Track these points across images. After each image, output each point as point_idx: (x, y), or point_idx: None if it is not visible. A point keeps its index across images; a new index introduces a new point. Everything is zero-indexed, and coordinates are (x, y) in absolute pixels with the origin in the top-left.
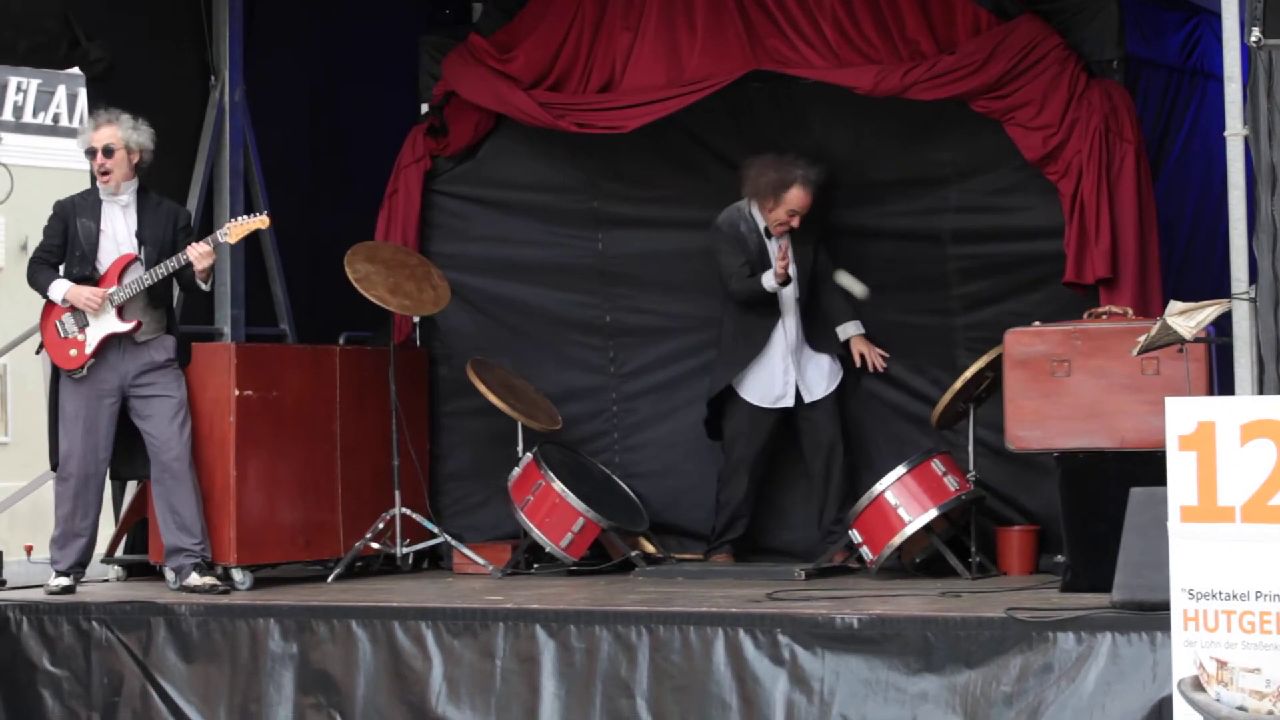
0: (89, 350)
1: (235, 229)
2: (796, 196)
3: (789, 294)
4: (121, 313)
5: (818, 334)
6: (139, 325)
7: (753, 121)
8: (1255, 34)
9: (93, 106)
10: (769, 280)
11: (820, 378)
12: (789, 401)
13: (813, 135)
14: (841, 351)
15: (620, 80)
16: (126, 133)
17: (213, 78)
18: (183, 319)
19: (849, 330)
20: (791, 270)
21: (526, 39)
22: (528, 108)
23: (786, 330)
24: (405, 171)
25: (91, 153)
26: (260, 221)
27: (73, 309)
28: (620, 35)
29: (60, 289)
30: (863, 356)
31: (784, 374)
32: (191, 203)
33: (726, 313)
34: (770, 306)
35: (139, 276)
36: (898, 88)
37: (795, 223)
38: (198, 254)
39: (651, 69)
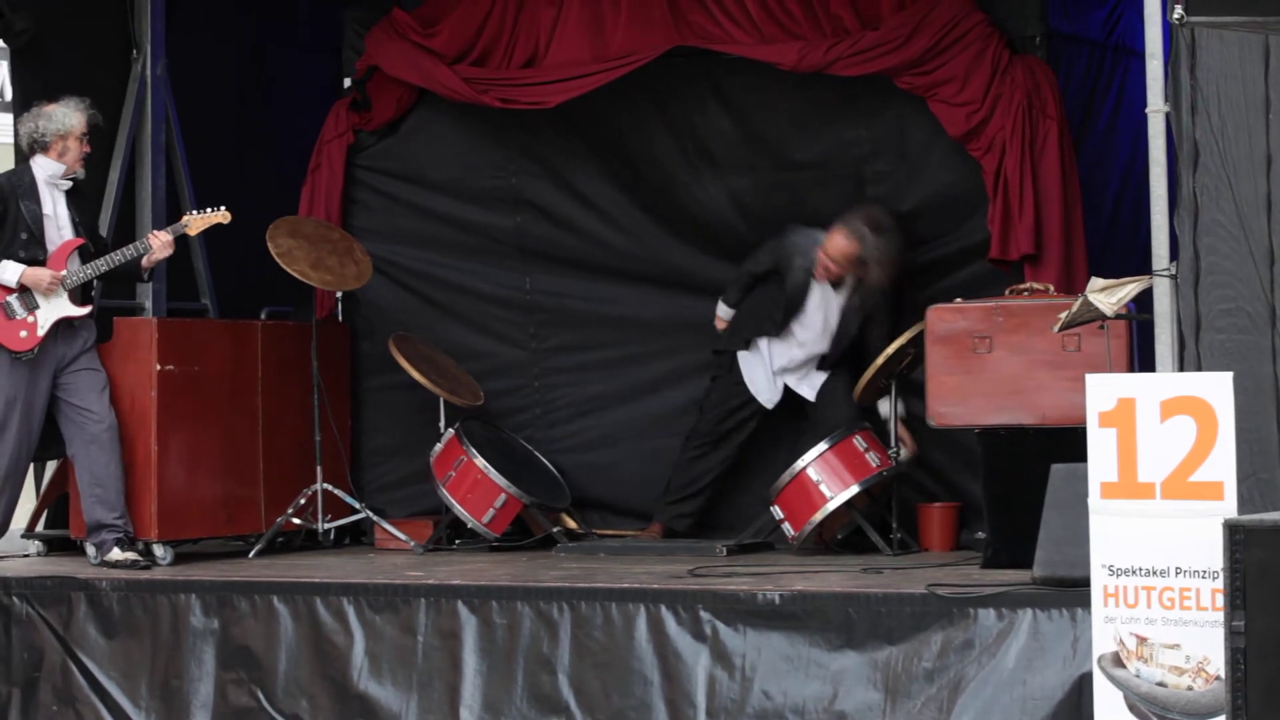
0: (41, 332)
1: (196, 221)
2: (834, 242)
3: (807, 337)
4: (70, 296)
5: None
6: (93, 310)
7: (675, 97)
8: (1178, 11)
9: (15, 79)
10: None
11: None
12: (769, 404)
13: (736, 112)
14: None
15: (544, 56)
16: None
17: (134, 52)
18: (104, 293)
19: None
20: (830, 319)
21: (450, 14)
22: (451, 83)
23: (776, 353)
24: (328, 146)
25: (83, 137)
26: (221, 216)
27: (19, 291)
28: (544, 10)
29: (13, 271)
30: (907, 450)
31: (768, 380)
32: (113, 177)
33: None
34: (788, 315)
35: (95, 263)
36: (821, 64)
37: (834, 269)
38: (160, 243)
39: (576, 44)
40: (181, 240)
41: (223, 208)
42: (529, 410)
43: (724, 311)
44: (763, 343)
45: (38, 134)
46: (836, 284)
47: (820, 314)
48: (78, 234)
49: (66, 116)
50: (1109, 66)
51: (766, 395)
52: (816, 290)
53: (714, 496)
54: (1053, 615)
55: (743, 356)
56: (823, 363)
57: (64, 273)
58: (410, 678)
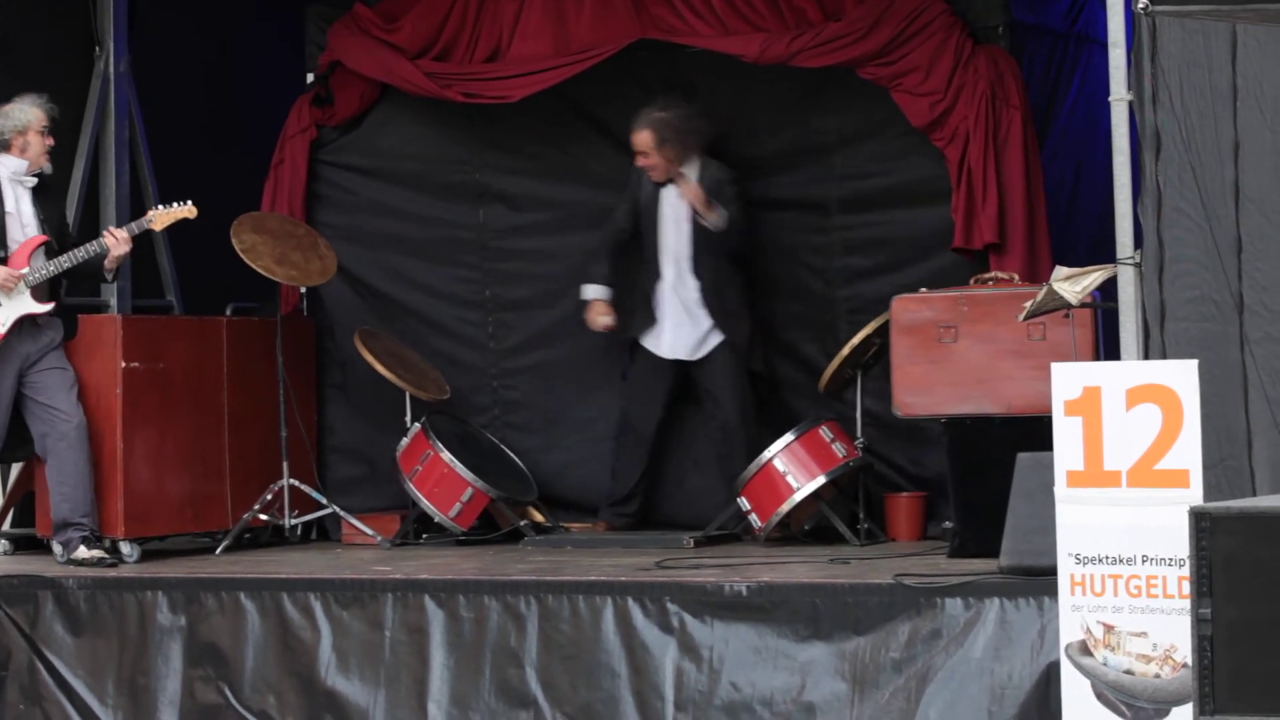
0: (3, 330)
1: (161, 216)
2: (633, 137)
3: (669, 247)
4: (33, 294)
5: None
6: (56, 307)
7: (639, 92)
8: (1142, 0)
9: None
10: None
11: (704, 337)
12: (668, 353)
13: (700, 105)
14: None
15: (507, 50)
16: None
17: (97, 48)
18: (69, 291)
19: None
20: (678, 221)
21: (412, 8)
22: (413, 78)
23: (670, 289)
24: (291, 142)
25: (43, 131)
26: (187, 211)
27: None
28: (507, 4)
29: None
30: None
31: (670, 327)
32: (76, 174)
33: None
34: (646, 254)
35: (57, 260)
36: (784, 55)
37: (643, 162)
38: (116, 241)
39: (538, 38)
40: (146, 236)
41: (189, 202)
42: (489, 409)
43: (595, 291)
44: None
45: None
46: (672, 181)
47: (672, 223)
48: (43, 231)
49: (23, 112)
50: (1071, 56)
51: (668, 348)
52: (665, 202)
53: (651, 490)
54: (1020, 604)
55: (656, 335)
56: (713, 310)
57: (24, 270)
58: (378, 673)
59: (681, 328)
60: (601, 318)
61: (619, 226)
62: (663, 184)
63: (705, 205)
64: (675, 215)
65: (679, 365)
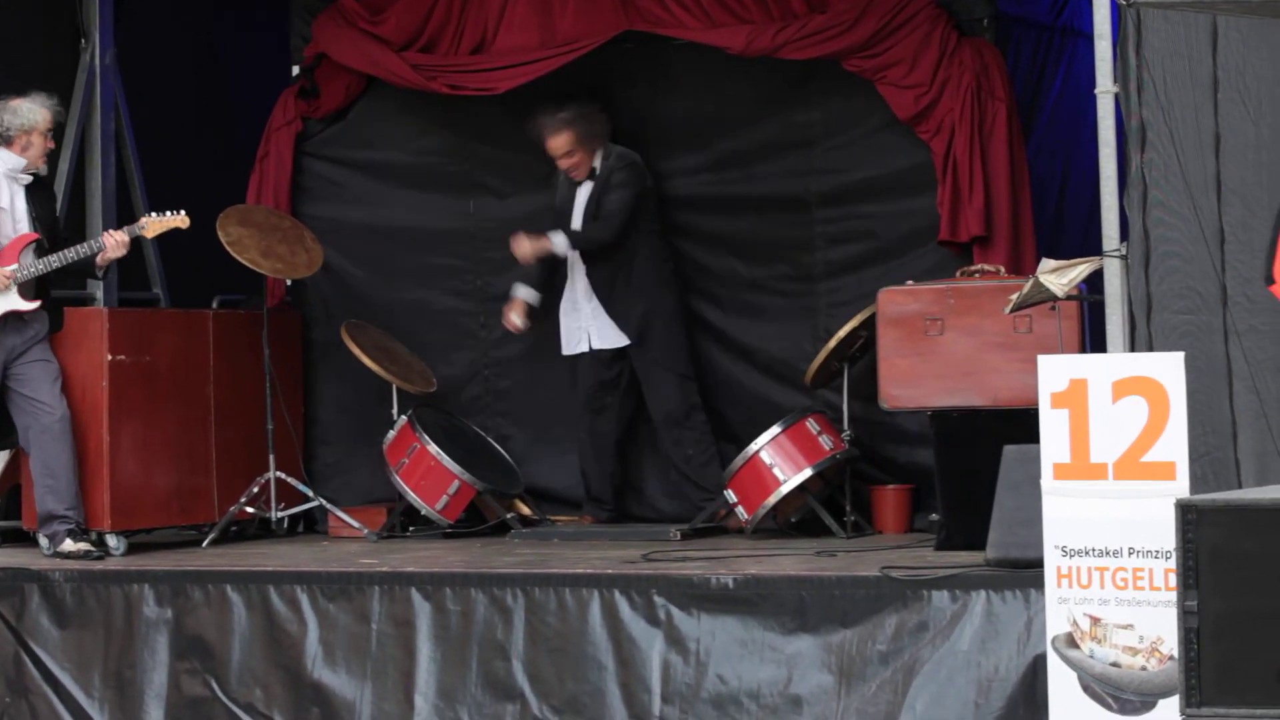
0: None
1: (153, 224)
2: (550, 143)
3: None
4: (20, 291)
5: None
6: (42, 304)
7: (625, 83)
8: None
9: None
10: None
11: (607, 328)
12: (583, 346)
13: (684, 97)
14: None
15: (492, 42)
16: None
17: (83, 40)
18: (54, 283)
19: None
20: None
21: (398, 0)
22: (399, 70)
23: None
24: (276, 134)
25: (47, 133)
26: (180, 220)
27: None
28: None
29: None
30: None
31: (574, 321)
32: (62, 167)
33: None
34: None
35: (47, 259)
36: (769, 48)
37: (566, 163)
38: (114, 243)
39: (524, 30)
40: None
41: (182, 211)
42: (479, 399)
43: (522, 292)
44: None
45: (2, 127)
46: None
47: (576, 221)
48: (35, 228)
49: (32, 112)
50: (1057, 48)
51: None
52: (576, 202)
53: (635, 484)
54: (1006, 597)
55: (564, 335)
56: (611, 306)
57: (13, 267)
58: (364, 666)
59: (585, 320)
60: (515, 317)
61: (534, 278)
62: (579, 183)
63: (540, 250)
64: (579, 213)
65: (610, 356)
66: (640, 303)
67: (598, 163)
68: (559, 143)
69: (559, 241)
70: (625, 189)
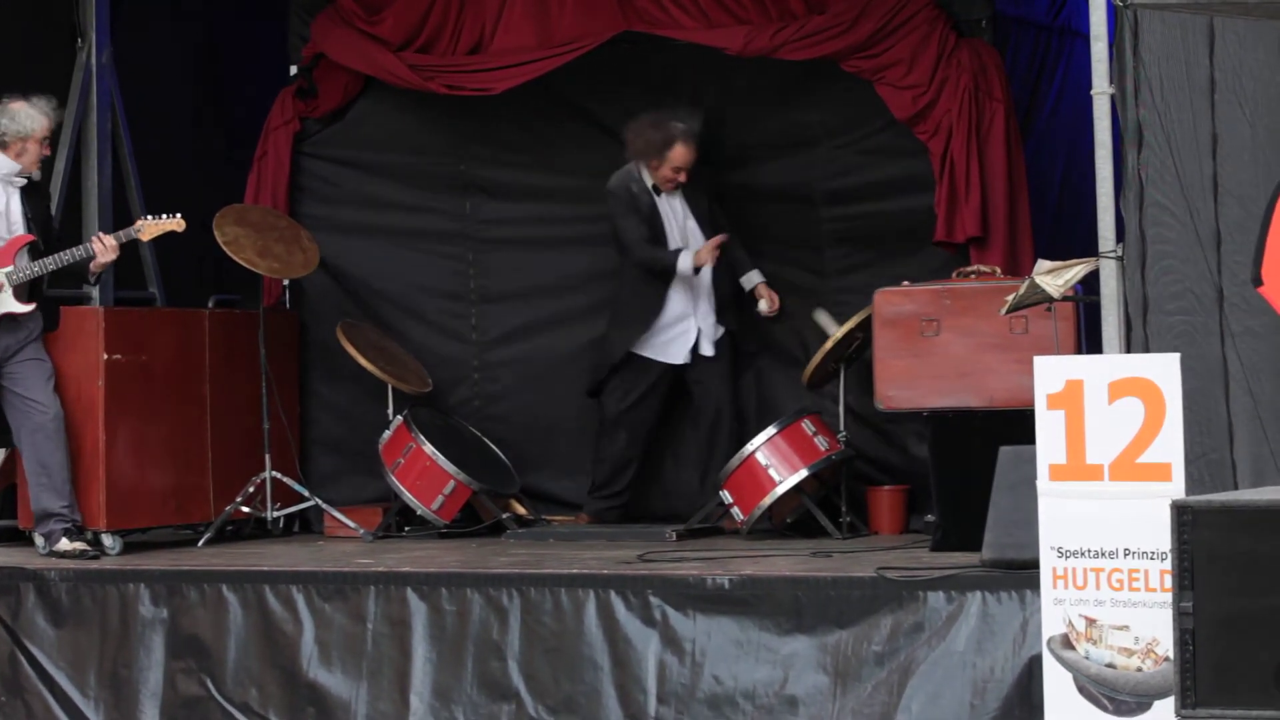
0: None
1: (149, 227)
2: (680, 153)
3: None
4: (15, 293)
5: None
6: (37, 306)
7: (623, 84)
8: None
9: None
10: (685, 264)
11: (709, 336)
12: (683, 358)
13: (683, 97)
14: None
15: (490, 42)
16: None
17: (79, 40)
18: (50, 282)
19: (754, 278)
20: (692, 229)
21: (395, 0)
22: (397, 70)
23: (684, 289)
24: (274, 134)
25: (44, 140)
26: (175, 224)
27: None
28: None
29: None
30: (767, 301)
31: (681, 332)
32: (58, 168)
33: (624, 275)
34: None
35: (42, 261)
36: (767, 48)
37: (682, 178)
38: (103, 248)
39: (521, 30)
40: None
41: (178, 215)
42: (471, 401)
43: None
44: (673, 292)
45: None
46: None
47: (677, 228)
48: (29, 230)
49: (31, 119)
50: (1055, 49)
51: (677, 351)
52: (662, 203)
53: (636, 482)
54: (1002, 598)
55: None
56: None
57: (8, 269)
58: (360, 665)
59: (690, 329)
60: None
61: (644, 236)
62: (659, 195)
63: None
64: (679, 219)
65: (676, 366)
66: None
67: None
68: (686, 157)
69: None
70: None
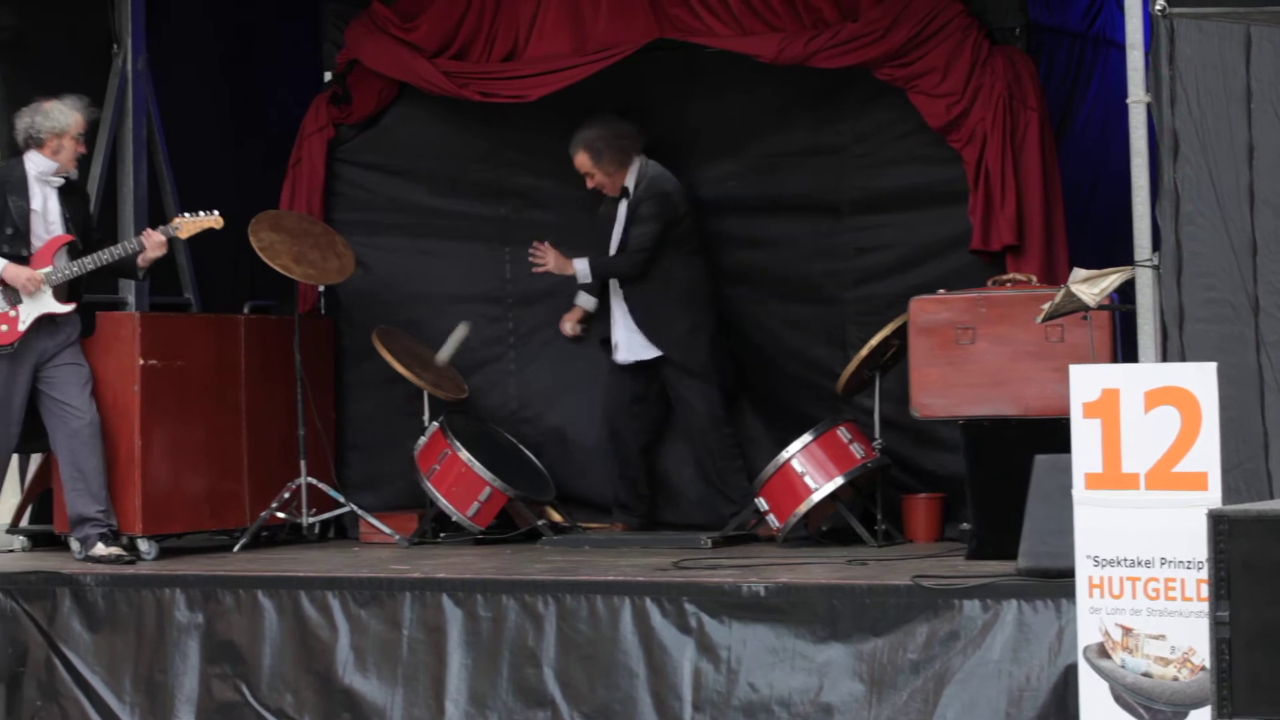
0: (22, 328)
1: (186, 225)
2: (575, 162)
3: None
4: (54, 293)
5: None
6: (76, 307)
7: (656, 91)
8: (1160, 2)
9: (0, 75)
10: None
11: (638, 341)
12: (620, 356)
13: (716, 105)
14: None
15: (524, 49)
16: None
17: (115, 46)
18: (86, 287)
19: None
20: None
21: (429, 7)
22: (431, 76)
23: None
24: (309, 140)
25: (79, 137)
26: (213, 221)
27: (2, 286)
28: (524, 3)
29: None
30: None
31: (616, 331)
32: (94, 172)
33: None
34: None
35: (82, 260)
36: (801, 56)
37: (590, 184)
38: (154, 243)
39: (555, 38)
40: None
41: (215, 212)
42: (507, 405)
43: (581, 299)
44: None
45: (33, 130)
46: (625, 195)
47: (614, 236)
48: (68, 230)
49: (64, 115)
50: (1089, 58)
51: (622, 353)
52: (616, 218)
53: (665, 491)
54: (1038, 606)
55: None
56: (644, 321)
57: (48, 270)
58: (395, 671)
59: (627, 333)
60: (569, 325)
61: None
62: (616, 199)
63: (561, 270)
64: (617, 229)
65: (641, 367)
66: (685, 317)
67: (630, 181)
68: (577, 162)
69: (581, 269)
70: (651, 223)
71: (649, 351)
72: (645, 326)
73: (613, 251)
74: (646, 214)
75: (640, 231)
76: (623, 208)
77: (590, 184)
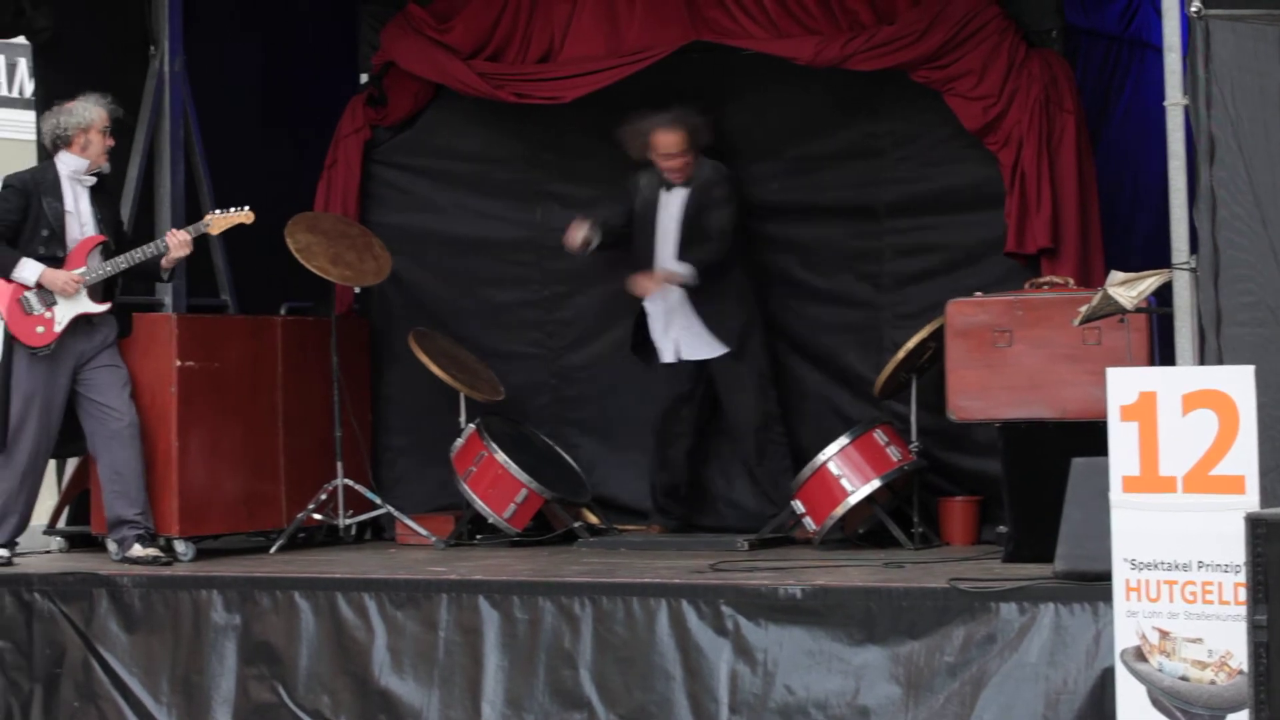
0: (58, 329)
1: (218, 220)
2: (663, 140)
3: (667, 255)
4: (89, 294)
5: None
6: (111, 307)
7: (692, 94)
8: (1195, 4)
9: (38, 76)
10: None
11: (697, 339)
12: (670, 357)
13: (751, 107)
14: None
15: (559, 51)
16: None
17: (151, 47)
18: (124, 290)
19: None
20: (670, 224)
21: (465, 9)
22: (466, 78)
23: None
24: (344, 142)
25: (105, 130)
26: (244, 216)
27: (38, 286)
28: (559, 5)
29: (32, 271)
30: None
31: (664, 331)
32: (131, 173)
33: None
34: (640, 261)
35: (114, 260)
36: (837, 58)
37: (677, 164)
38: (177, 243)
39: (591, 39)
40: (201, 236)
41: (246, 208)
42: (546, 408)
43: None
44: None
45: (60, 130)
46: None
47: (665, 229)
48: (101, 230)
49: (86, 110)
50: (1125, 60)
51: (669, 353)
52: (663, 209)
53: (702, 493)
54: (1075, 610)
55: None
56: (708, 316)
57: (82, 270)
58: (431, 673)
59: (676, 331)
60: (578, 233)
61: (604, 217)
62: (669, 188)
63: (671, 280)
64: (669, 222)
65: (687, 368)
66: (739, 313)
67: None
68: (672, 140)
69: (684, 272)
70: (730, 204)
71: (703, 350)
72: (710, 320)
73: (672, 240)
74: (723, 196)
75: (722, 214)
76: (678, 196)
77: (673, 164)
